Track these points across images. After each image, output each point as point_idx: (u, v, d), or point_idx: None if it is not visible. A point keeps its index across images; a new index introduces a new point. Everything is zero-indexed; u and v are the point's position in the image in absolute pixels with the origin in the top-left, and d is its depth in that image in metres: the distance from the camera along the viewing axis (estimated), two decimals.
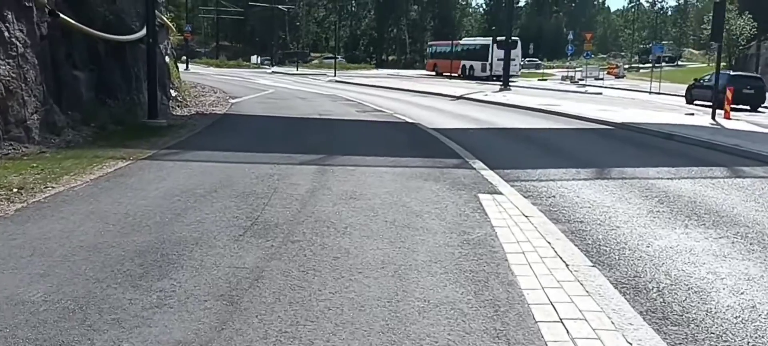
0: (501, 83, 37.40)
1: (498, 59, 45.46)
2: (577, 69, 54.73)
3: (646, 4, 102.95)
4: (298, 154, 9.81)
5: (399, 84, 39.03)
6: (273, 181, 7.72)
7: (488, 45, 51.13)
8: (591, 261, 5.23)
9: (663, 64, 55.79)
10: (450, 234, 5.73)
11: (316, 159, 9.59)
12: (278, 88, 30.31)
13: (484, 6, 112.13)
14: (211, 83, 30.99)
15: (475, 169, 9.25)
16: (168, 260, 4.75)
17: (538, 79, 56.39)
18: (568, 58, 56.40)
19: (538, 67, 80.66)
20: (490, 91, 33.81)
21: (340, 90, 32.22)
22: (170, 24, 18.63)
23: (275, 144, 11.10)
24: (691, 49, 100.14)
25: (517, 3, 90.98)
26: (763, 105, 27.78)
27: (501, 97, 28.05)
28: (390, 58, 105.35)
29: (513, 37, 45.10)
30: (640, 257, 5.66)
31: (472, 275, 4.70)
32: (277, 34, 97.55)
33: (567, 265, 5.01)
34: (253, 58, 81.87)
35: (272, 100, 21.34)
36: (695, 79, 32.54)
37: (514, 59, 46.14)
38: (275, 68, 66.85)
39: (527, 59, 79.21)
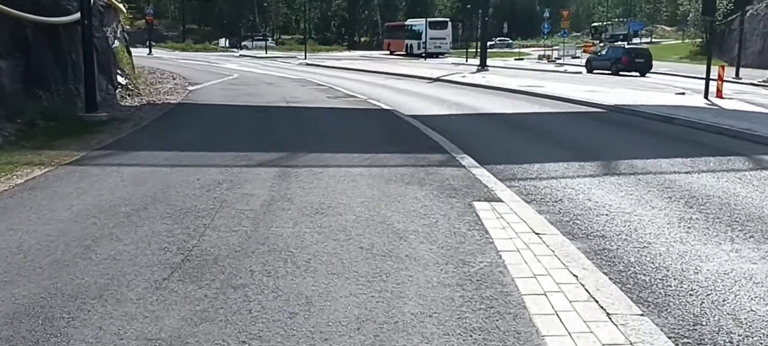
0: (478, 64, 36.08)
1: (431, 38, 55.74)
2: (554, 48, 53.64)
3: None
4: (257, 153, 8.35)
5: (372, 66, 37.51)
6: (221, 191, 6.27)
7: (422, 25, 57.35)
8: (638, 307, 3.90)
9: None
10: (445, 266, 4.37)
11: (278, 158, 8.14)
12: (244, 73, 28.61)
13: None
14: (172, 69, 29.17)
15: (464, 166, 7.89)
16: (51, 329, 3.32)
17: (515, 59, 55.22)
18: (544, 37, 55.28)
19: (510, 46, 79.50)
20: (467, 72, 32.45)
21: (310, 74, 30.63)
22: (120, 5, 16.88)
23: (232, 140, 9.61)
24: (663, 26, 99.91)
25: None
26: (650, 71, 34.32)
27: (480, 78, 26.72)
28: (362, 39, 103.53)
29: (443, 19, 61.27)
30: (692, 290, 4.35)
31: (482, 337, 3.35)
32: (245, 17, 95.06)
33: (608, 314, 3.68)
34: (221, 42, 79.50)
35: (236, 87, 19.71)
36: (593, 53, 42.10)
37: (444, 38, 58.40)
38: (243, 52, 64.76)
39: (499, 39, 78.08)
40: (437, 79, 26.75)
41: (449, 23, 61.28)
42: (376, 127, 11.69)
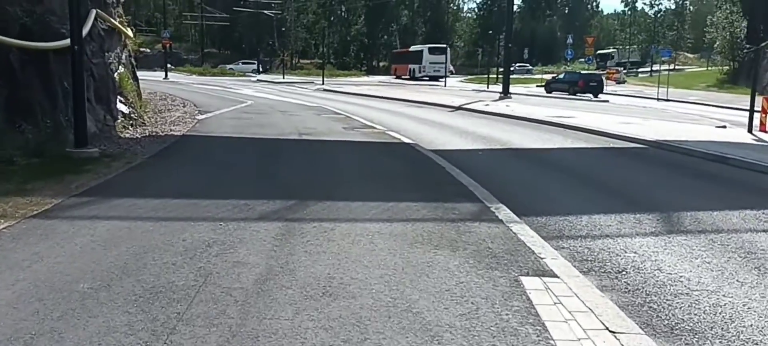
0: (501, 91, 34.90)
1: (430, 63, 63.15)
2: None
3: (645, 7, 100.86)
4: (260, 201, 7.18)
5: (391, 93, 36.47)
6: (208, 258, 5.10)
7: (422, 51, 64.98)
8: None
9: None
10: None
11: (284, 209, 6.96)
12: (258, 100, 27.63)
13: (476, 10, 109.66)
14: (185, 95, 28.30)
15: (501, 221, 6.66)
16: None
17: (536, 86, 53.98)
18: (567, 64, 54.03)
19: (529, 72, 78.33)
20: (490, 100, 31.28)
21: (327, 101, 29.60)
22: (127, 30, 15.95)
23: (234, 182, 8.46)
24: (685, 53, 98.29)
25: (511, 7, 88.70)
26: (602, 93, 39.94)
27: (504, 107, 25.50)
28: (381, 64, 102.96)
29: (442, 45, 65.98)
30: None
31: None
32: (265, 41, 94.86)
33: None
34: (239, 65, 79.06)
35: (247, 116, 18.65)
36: (552, 76, 47.58)
37: (443, 63, 62.30)
38: (261, 76, 64.15)
39: (518, 65, 76.98)
40: (459, 108, 25.58)
41: (448, 49, 67.46)
42: (396, 166, 10.49)
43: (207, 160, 10.46)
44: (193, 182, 8.35)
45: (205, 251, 5.31)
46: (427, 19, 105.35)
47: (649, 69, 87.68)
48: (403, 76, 66.55)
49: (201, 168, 9.47)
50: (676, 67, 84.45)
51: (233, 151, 11.60)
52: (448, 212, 6.99)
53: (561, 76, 45.46)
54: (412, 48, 70.86)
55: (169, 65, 77.64)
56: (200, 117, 17.43)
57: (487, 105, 26.76)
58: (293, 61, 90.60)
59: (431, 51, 64.20)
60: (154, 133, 13.42)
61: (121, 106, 14.80)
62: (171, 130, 14.13)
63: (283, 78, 59.65)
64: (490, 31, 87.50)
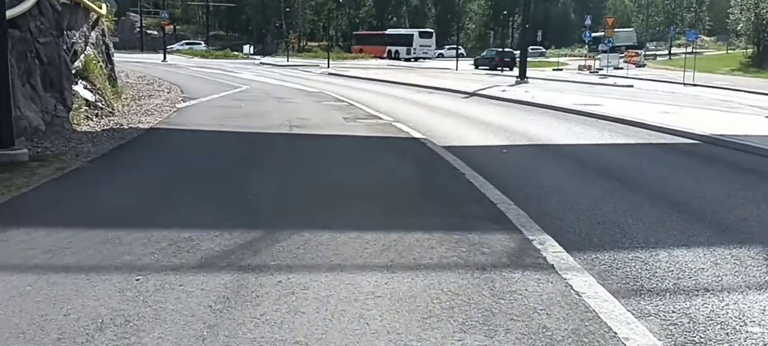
0: (517, 76, 32.66)
1: (420, 45, 70.32)
2: (596, 58, 49.97)
3: None
4: (209, 233, 5.14)
5: (400, 77, 34.28)
6: None
7: (412, 35, 72.39)
8: None
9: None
10: None
11: (240, 247, 4.90)
12: (255, 85, 25.51)
13: None
14: (178, 79, 26.32)
15: (553, 267, 4.61)
16: None
17: (553, 69, 51.62)
18: (586, 46, 51.69)
19: (543, 55, 75.74)
20: (506, 84, 29.08)
21: (330, 85, 27.49)
22: (97, 6, 13.91)
23: (183, 200, 6.36)
24: (702, 36, 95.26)
25: None
26: (514, 67, 44.87)
27: (523, 93, 23.31)
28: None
29: (429, 30, 76.05)
30: None
31: None
32: (272, 23, 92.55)
33: None
34: (245, 48, 76.96)
35: (237, 103, 16.54)
36: (479, 55, 57.24)
37: (430, 46, 71.83)
38: (265, 59, 62.00)
39: (531, 47, 74.25)
40: (474, 94, 23.41)
41: (434, 33, 75.27)
42: (403, 172, 8.37)
43: (164, 163, 8.31)
44: (131, 199, 6.28)
45: (92, 339, 3.28)
46: (437, 0, 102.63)
47: (666, 52, 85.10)
48: (379, 57, 71.22)
49: (151, 177, 7.35)
50: (694, 50, 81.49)
51: (202, 152, 9.44)
52: (474, 251, 4.92)
53: (485, 54, 56.35)
54: (392, 31, 79.52)
55: (175, 47, 75.90)
56: (182, 105, 15.36)
57: (503, 91, 24.59)
58: (300, 44, 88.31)
59: (421, 35, 72.88)
60: (118, 126, 11.39)
61: (85, 93, 12.79)
62: (139, 122, 12.08)
63: (288, 61, 57.48)
64: (505, 12, 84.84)
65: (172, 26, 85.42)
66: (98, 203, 6.08)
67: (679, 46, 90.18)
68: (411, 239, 5.17)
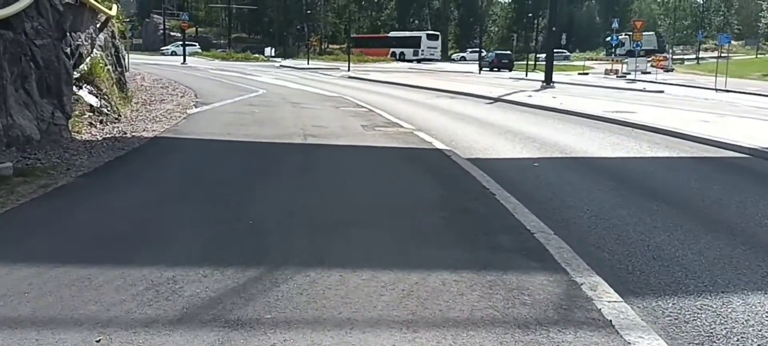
0: (542, 80, 31.61)
1: (427, 47, 74.57)
2: (624, 62, 48.70)
3: None
4: (196, 272, 4.35)
5: (422, 81, 33.44)
6: None
7: (420, 36, 76.75)
8: None
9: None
10: None
11: (231, 293, 4.10)
12: (272, 89, 24.80)
13: None
14: (194, 82, 25.74)
15: (611, 325, 3.77)
16: None
17: (578, 73, 50.42)
18: (613, 50, 50.46)
19: (567, 59, 74.42)
20: (531, 89, 28.11)
21: (350, 89, 26.72)
22: (103, 6, 13.25)
23: (171, 228, 5.52)
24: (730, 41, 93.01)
25: None
26: (513, 68, 53.49)
27: (550, 99, 22.33)
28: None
29: (436, 32, 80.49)
30: None
31: None
32: (294, 26, 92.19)
33: None
34: (266, 51, 76.64)
35: (251, 109, 15.80)
36: (481, 57, 59.38)
37: (436, 47, 76.75)
38: (286, 61, 61.49)
39: (555, 51, 72.72)
40: (498, 99, 22.49)
41: (439, 36, 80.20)
42: (426, 191, 7.50)
43: (160, 180, 7.49)
44: (114, 225, 5.51)
45: None
46: (459, 3, 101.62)
47: (694, 56, 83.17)
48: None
49: (142, 197, 6.55)
50: (722, 54, 79.52)
51: (205, 165, 8.62)
52: (513, 300, 4.07)
53: (485, 56, 59.80)
54: (397, 33, 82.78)
55: (197, 49, 75.70)
56: (193, 111, 14.64)
57: (529, 96, 23.62)
58: (322, 46, 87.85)
59: (429, 37, 77.03)
60: (121, 134, 10.69)
61: (89, 99, 12.14)
62: (144, 130, 11.36)
63: (308, 64, 56.88)
64: (530, 14, 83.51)
65: (194, 28, 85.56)
66: (76, 231, 5.32)
67: (706, 50, 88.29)
68: (435, 282, 4.34)
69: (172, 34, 78.50)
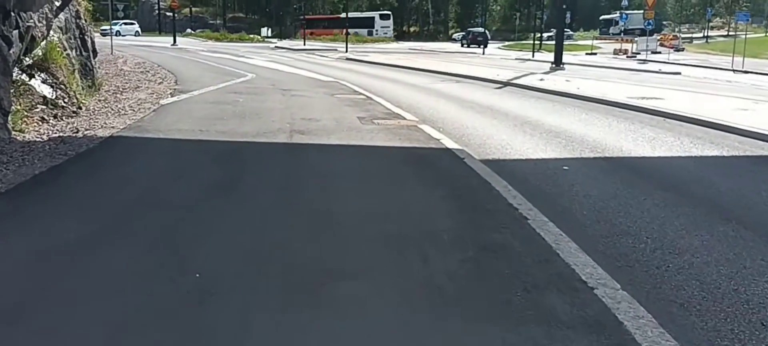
0: (552, 61, 29.85)
1: (381, 27, 79.64)
2: (634, 41, 46.92)
3: None
4: None
5: (423, 63, 31.70)
6: None
7: (374, 17, 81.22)
8: None
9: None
10: None
11: None
12: (263, 73, 23.04)
13: None
14: (180, 65, 24.03)
15: None
16: None
17: (586, 53, 48.60)
18: (622, 27, 48.70)
19: (571, 38, 72.39)
20: (540, 72, 26.43)
21: (346, 73, 25.00)
22: None
23: (83, 293, 3.80)
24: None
25: None
26: (487, 46, 54.87)
27: (564, 83, 20.64)
28: (412, 29, 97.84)
29: (387, 12, 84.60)
30: None
31: None
32: (291, 5, 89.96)
33: None
34: (263, 31, 74.70)
35: (234, 97, 14.09)
36: (463, 33, 68.56)
37: (389, 26, 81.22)
38: (282, 42, 59.60)
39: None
40: (508, 83, 20.79)
41: (391, 15, 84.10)
42: (436, 215, 5.77)
43: (91, 204, 5.62)
44: None
45: None
46: None
47: (702, 35, 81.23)
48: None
49: (56, 234, 4.74)
50: (730, 33, 77.57)
51: (160, 178, 6.82)
52: None
53: (464, 34, 66.84)
54: (366, 14, 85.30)
55: (189, 30, 73.75)
56: (167, 100, 12.93)
57: (541, 79, 21.93)
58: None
59: (382, 17, 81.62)
60: (73, 132, 9.04)
61: (42, 89, 10.51)
62: (103, 125, 9.69)
63: (304, 45, 55.01)
64: None
65: (188, 9, 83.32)
66: None
67: (712, 28, 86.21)
68: None
69: (167, 14, 76.58)
